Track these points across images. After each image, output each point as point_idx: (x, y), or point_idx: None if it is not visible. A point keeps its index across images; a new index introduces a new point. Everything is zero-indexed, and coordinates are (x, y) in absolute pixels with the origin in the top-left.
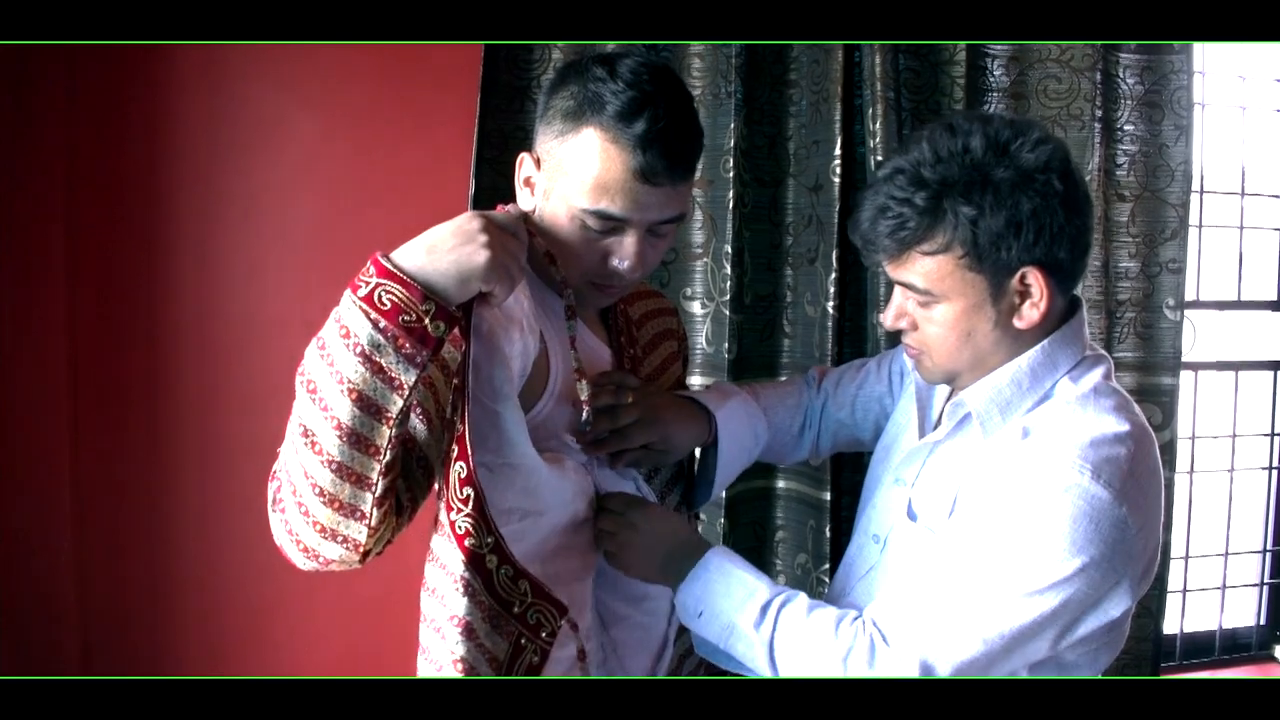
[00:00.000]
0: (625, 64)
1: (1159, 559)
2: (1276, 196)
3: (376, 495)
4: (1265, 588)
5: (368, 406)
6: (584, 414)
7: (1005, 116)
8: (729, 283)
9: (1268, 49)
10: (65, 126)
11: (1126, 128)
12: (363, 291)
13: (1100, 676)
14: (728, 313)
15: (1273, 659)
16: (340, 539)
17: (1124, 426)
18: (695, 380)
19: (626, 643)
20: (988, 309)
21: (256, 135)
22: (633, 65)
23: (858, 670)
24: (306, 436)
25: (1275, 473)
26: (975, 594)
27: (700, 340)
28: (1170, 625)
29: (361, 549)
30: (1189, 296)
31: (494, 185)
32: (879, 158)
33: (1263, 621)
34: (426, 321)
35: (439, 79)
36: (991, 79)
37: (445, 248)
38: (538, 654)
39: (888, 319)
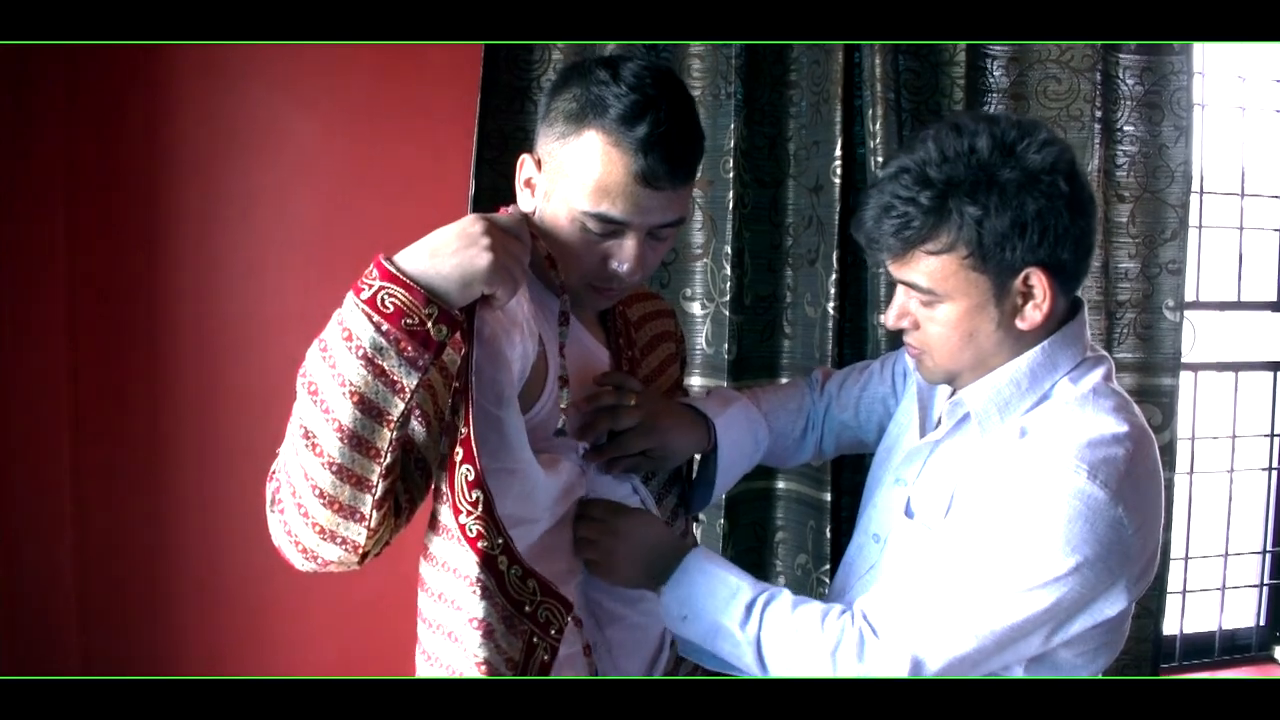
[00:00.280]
0: (628, 67)
1: (1158, 559)
2: (1276, 197)
3: (376, 497)
4: (1265, 588)
5: (369, 409)
6: (560, 421)
7: (1011, 117)
8: (729, 283)
9: (1267, 49)
10: (65, 126)
11: (1126, 128)
12: (365, 294)
13: (1100, 676)
14: (728, 313)
15: (1272, 660)
16: (339, 540)
17: (1122, 427)
18: (695, 381)
19: (622, 643)
20: (990, 309)
21: (256, 135)
22: (635, 68)
23: (847, 663)
24: (307, 438)
25: (1275, 473)
26: (968, 590)
27: (700, 341)
28: (1170, 626)
29: (360, 550)
30: (1189, 297)
31: (494, 186)
32: (879, 158)
33: (1262, 622)
34: (429, 325)
35: (439, 79)
36: (991, 80)
37: (448, 250)
38: (548, 651)
39: (890, 318)
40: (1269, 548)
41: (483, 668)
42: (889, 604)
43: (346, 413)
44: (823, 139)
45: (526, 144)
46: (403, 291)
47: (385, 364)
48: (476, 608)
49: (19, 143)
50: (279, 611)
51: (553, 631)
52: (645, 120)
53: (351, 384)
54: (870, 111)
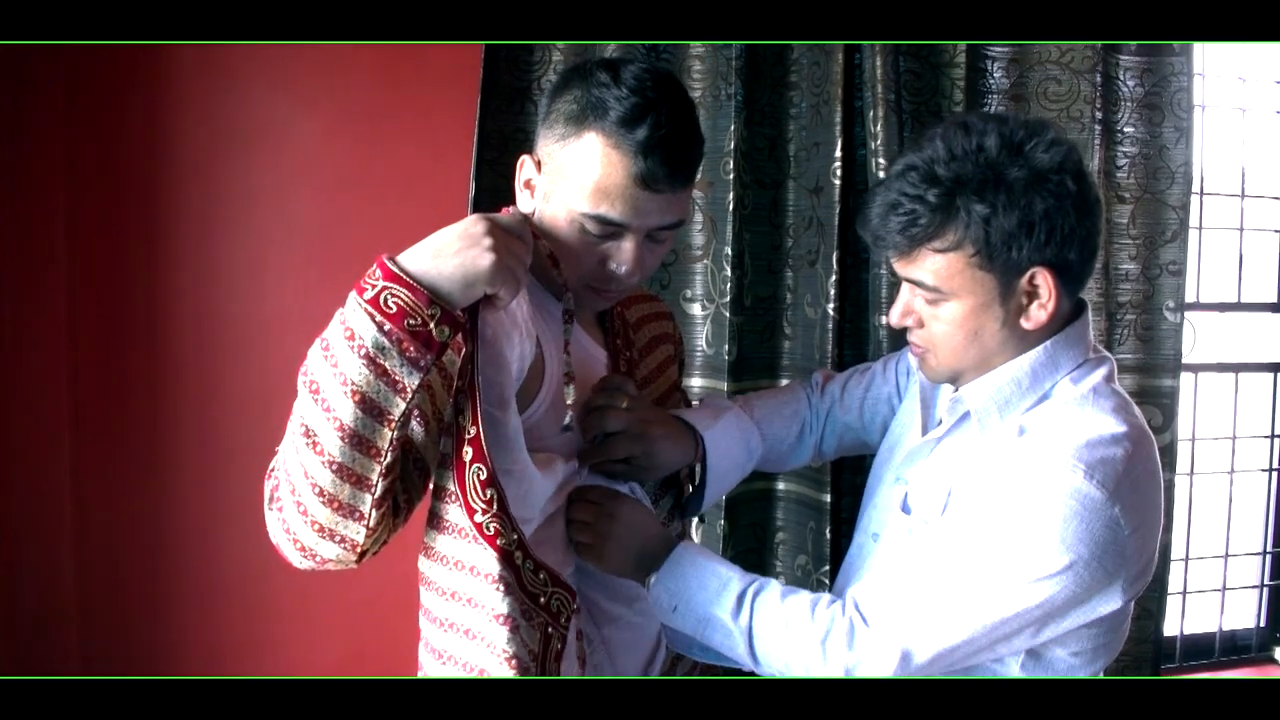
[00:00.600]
0: (629, 70)
1: (1158, 560)
2: (1277, 198)
3: (376, 496)
4: (1265, 590)
5: (370, 408)
6: (566, 418)
7: (1019, 117)
8: (729, 285)
9: (1267, 51)
10: (65, 126)
11: (1126, 130)
12: (368, 294)
13: (1100, 676)
14: (728, 314)
15: (1272, 661)
16: (338, 539)
17: (1121, 428)
18: (695, 382)
19: (618, 642)
20: (996, 308)
21: (256, 135)
22: (637, 71)
23: (836, 651)
24: (308, 436)
25: (1275, 474)
26: (960, 583)
27: (700, 342)
28: (1170, 627)
29: (359, 549)
30: (1189, 298)
31: (494, 187)
32: (879, 160)
33: (1262, 623)
34: (432, 326)
35: (439, 79)
36: (992, 81)
37: (450, 251)
38: (560, 640)
39: (894, 316)
40: (1269, 549)
41: (512, 662)
42: (881, 594)
43: (348, 411)
44: (823, 140)
45: (526, 145)
46: (406, 292)
47: (387, 364)
48: (501, 604)
49: (19, 143)
50: (279, 611)
51: (563, 620)
52: (645, 123)
53: (353, 383)
54: (871, 113)
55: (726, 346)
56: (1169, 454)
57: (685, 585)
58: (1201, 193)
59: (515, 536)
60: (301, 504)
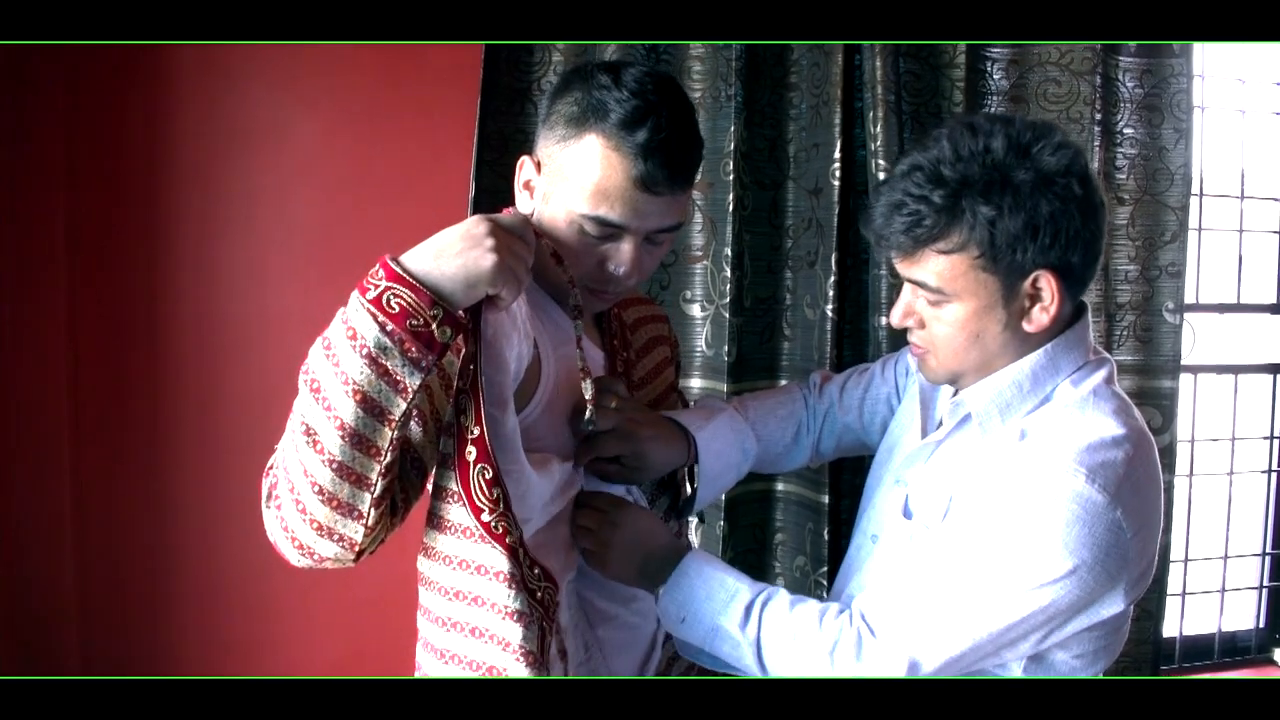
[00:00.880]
0: (630, 72)
1: (1157, 562)
2: (1276, 199)
3: (375, 495)
4: (1265, 591)
5: (371, 408)
6: (587, 413)
7: (1026, 119)
8: (729, 285)
9: (1267, 52)
10: (65, 126)
11: (1126, 131)
12: (371, 294)
13: (1100, 676)
14: (727, 315)
15: (1272, 662)
16: (336, 537)
17: (1122, 430)
18: (695, 383)
19: (613, 642)
20: (998, 310)
21: (256, 135)
22: (637, 74)
23: (844, 662)
24: (308, 435)
25: (1275, 476)
26: (965, 590)
27: (700, 343)
28: (1170, 628)
29: (357, 548)
30: (1188, 299)
31: (494, 187)
32: (879, 161)
33: (1262, 624)
34: (434, 327)
35: (439, 80)
36: (991, 82)
37: (452, 252)
38: (551, 631)
39: (895, 316)
40: (1268, 550)
41: (529, 658)
42: (887, 604)
43: (349, 411)
44: (823, 141)
45: (526, 146)
46: (408, 292)
47: (389, 364)
48: (514, 601)
49: (19, 143)
50: (279, 611)
51: (551, 611)
52: (646, 126)
53: (355, 382)
54: (870, 114)
55: (726, 347)
56: (1168, 455)
57: (693, 596)
58: (1201, 194)
59: (518, 534)
60: (300, 502)
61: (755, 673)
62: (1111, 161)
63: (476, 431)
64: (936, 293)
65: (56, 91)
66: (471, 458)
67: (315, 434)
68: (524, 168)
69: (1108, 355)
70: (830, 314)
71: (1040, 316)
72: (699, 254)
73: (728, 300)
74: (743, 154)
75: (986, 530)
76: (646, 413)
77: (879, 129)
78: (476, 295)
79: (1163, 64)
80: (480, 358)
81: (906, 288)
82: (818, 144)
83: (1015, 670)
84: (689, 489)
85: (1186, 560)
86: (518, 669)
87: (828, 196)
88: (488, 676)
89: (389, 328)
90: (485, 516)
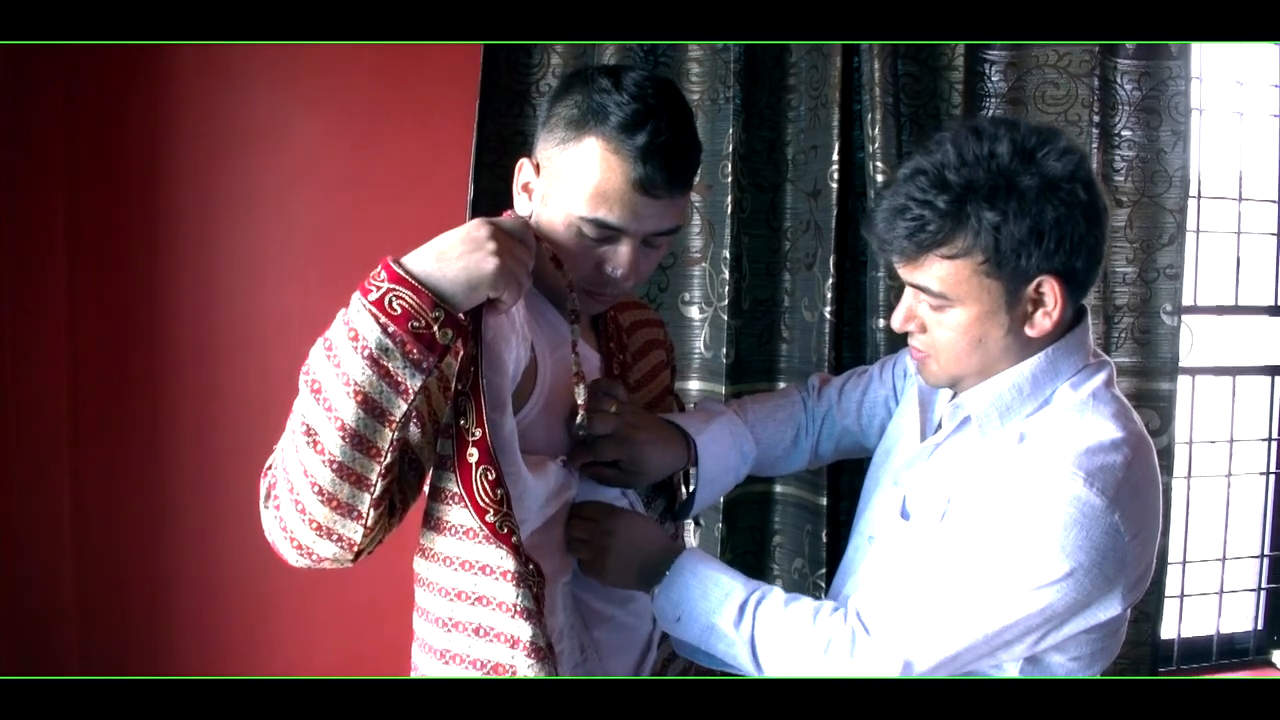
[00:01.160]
0: (630, 76)
1: (1156, 564)
2: (1274, 201)
3: (374, 496)
4: (1263, 593)
5: (372, 408)
6: (579, 417)
7: (1030, 123)
8: (727, 288)
9: (1265, 54)
10: (65, 126)
11: (1124, 133)
12: (373, 295)
13: (1098, 677)
14: (726, 318)
15: (1270, 664)
16: (335, 538)
17: (1120, 434)
18: (693, 385)
19: (609, 643)
20: (1001, 315)
21: (256, 136)
22: (637, 78)
23: (838, 659)
24: (309, 435)
25: (1273, 478)
26: (961, 591)
27: (698, 345)
28: (1168, 630)
29: (355, 548)
30: (1186, 301)
31: (493, 189)
32: (877, 163)
33: (1260, 627)
34: (435, 328)
35: (439, 81)
36: (990, 84)
37: (454, 254)
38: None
39: (896, 320)
40: (1267, 552)
41: (540, 654)
42: (882, 603)
43: (349, 411)
44: (821, 143)
45: (525, 148)
46: (410, 294)
47: (390, 365)
48: (522, 598)
49: (19, 143)
50: (278, 612)
51: (542, 605)
52: (645, 129)
53: (356, 383)
54: (869, 116)
55: (724, 350)
56: (1166, 457)
57: (688, 595)
58: (1199, 196)
59: (519, 534)
60: (300, 502)
61: (751, 671)
62: (1109, 164)
63: (478, 433)
64: (939, 297)
65: (56, 91)
66: (473, 459)
67: (316, 434)
68: (523, 170)
69: (1107, 359)
70: (829, 316)
71: (1043, 321)
72: (697, 256)
73: (726, 302)
74: (741, 156)
75: (984, 531)
76: (645, 416)
77: (877, 131)
78: (478, 298)
79: (1160, 66)
80: (481, 360)
81: (908, 292)
82: (816, 146)
83: (1011, 672)
84: (685, 492)
85: (1185, 562)
86: (527, 665)
87: (826, 199)
88: (490, 676)
89: (391, 329)
90: (490, 517)
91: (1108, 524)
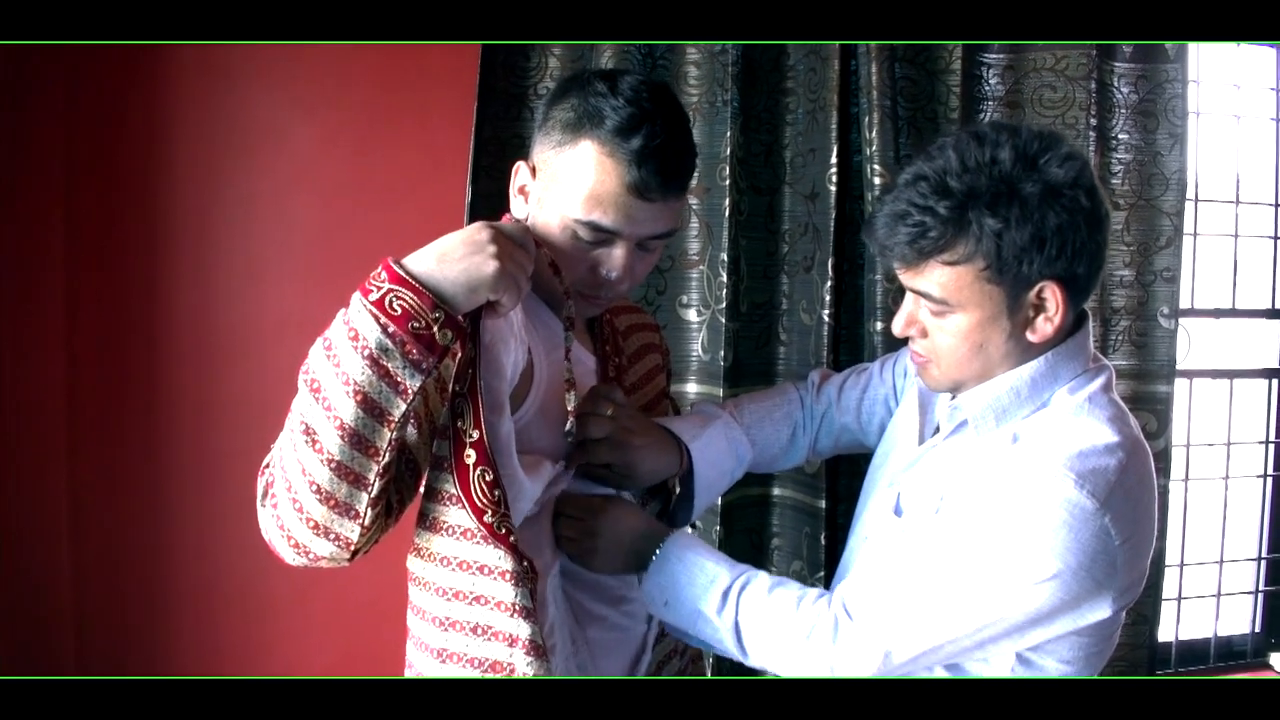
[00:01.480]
0: (626, 80)
1: (1153, 567)
2: (1271, 205)
3: (372, 495)
4: (1260, 595)
5: (371, 408)
6: (568, 424)
7: (1032, 129)
8: (725, 290)
9: (1261, 57)
10: (65, 126)
11: (1121, 136)
12: (374, 296)
13: (1097, 677)
14: (724, 320)
15: (1268, 666)
16: (333, 536)
17: (1115, 438)
18: (691, 388)
19: (602, 643)
20: (1003, 321)
21: (255, 137)
22: (633, 82)
23: (820, 645)
24: (308, 434)
25: (1270, 480)
26: (946, 585)
27: (696, 348)
28: (1165, 633)
29: (352, 547)
30: (1184, 304)
31: (491, 192)
32: (875, 166)
33: (1258, 629)
34: (435, 330)
35: (437, 84)
36: (987, 87)
37: (455, 256)
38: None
39: (897, 325)
40: (1264, 554)
41: (538, 651)
42: (867, 591)
43: (349, 411)
44: (819, 146)
45: (523, 151)
46: (411, 295)
47: (390, 365)
48: (521, 598)
49: (19, 143)
50: (275, 612)
51: (535, 603)
52: (640, 133)
53: (355, 383)
54: (866, 119)
55: (722, 352)
56: (1163, 460)
57: (674, 581)
58: (1196, 199)
59: (517, 534)
60: (298, 501)
61: (736, 655)
62: (1107, 167)
63: (476, 435)
64: (940, 303)
65: (56, 91)
66: (470, 461)
67: (314, 433)
68: (519, 173)
69: (1107, 363)
70: (827, 319)
71: (1044, 326)
72: (695, 259)
73: (724, 305)
74: (739, 159)
75: (973, 527)
76: (641, 421)
77: (875, 134)
78: (477, 300)
79: (1158, 69)
80: (479, 363)
81: (909, 297)
82: (814, 149)
83: (1004, 672)
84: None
85: (1182, 565)
86: (525, 663)
87: (824, 201)
88: (487, 675)
89: (390, 329)
90: (488, 518)
91: (1098, 527)
